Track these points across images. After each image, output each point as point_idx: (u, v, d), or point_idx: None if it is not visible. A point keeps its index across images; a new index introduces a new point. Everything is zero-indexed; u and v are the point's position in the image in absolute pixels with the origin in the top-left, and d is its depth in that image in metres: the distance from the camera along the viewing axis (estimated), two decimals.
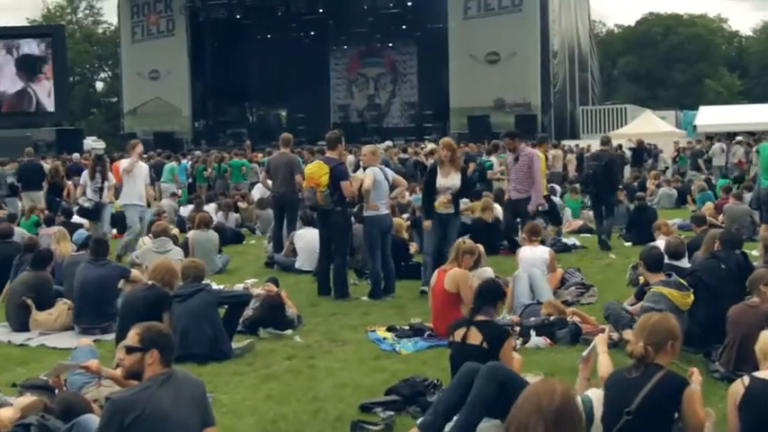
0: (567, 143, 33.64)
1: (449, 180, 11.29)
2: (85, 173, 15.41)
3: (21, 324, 10.00)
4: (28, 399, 5.92)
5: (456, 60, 41.54)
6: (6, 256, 12.00)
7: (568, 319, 8.70)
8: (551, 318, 8.78)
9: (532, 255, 10.63)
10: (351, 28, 48.75)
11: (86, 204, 14.97)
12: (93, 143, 47.94)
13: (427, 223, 11.37)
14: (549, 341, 8.37)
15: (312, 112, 48.07)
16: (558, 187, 21.13)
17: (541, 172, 13.91)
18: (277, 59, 48.66)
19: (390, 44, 50.58)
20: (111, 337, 8.82)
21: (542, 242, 11.87)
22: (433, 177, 11.42)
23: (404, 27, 48.33)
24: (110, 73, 71.06)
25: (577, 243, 15.38)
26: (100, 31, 73.29)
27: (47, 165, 22.52)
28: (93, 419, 5.14)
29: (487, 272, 9.84)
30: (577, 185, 20.10)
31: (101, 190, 14.94)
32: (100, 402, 6.02)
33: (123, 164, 14.64)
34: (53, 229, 13.64)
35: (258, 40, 50.00)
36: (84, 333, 9.31)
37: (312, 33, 50.08)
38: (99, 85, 74.61)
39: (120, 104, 50.46)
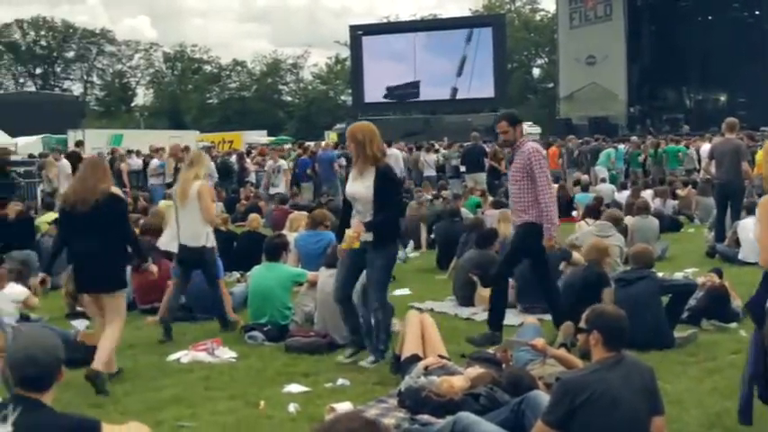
0: None
1: None
2: None
3: (466, 299, 10.55)
4: (477, 370, 6.20)
5: None
6: (454, 234, 12.82)
7: None
8: None
9: None
10: None
11: None
12: (528, 128, 49.27)
13: None
14: None
15: (755, 96, 45.53)
16: None
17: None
18: (718, 41, 46.72)
19: None
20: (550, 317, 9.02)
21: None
22: None
23: None
24: (546, 59, 72.51)
25: None
26: (537, 18, 75.06)
27: (488, 148, 23.55)
28: (543, 396, 5.26)
29: None
30: None
31: None
32: (544, 380, 6.14)
33: None
34: (496, 210, 14.23)
35: (698, 22, 48.45)
36: (526, 312, 9.62)
37: (757, 13, 47.51)
38: (535, 72, 76.51)
39: (556, 90, 51.30)
